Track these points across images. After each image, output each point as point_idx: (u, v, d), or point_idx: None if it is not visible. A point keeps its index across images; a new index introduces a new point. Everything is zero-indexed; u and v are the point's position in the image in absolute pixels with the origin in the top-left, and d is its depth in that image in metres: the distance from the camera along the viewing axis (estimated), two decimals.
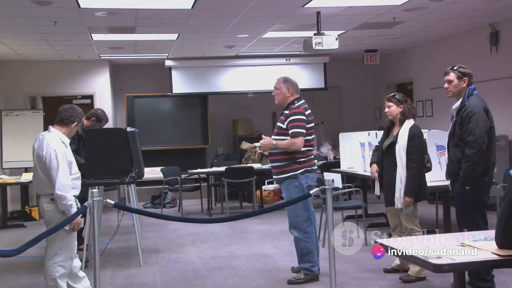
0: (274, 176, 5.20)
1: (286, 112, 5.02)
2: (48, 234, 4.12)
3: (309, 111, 5.05)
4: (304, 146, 4.96)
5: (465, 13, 7.74)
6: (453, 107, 4.55)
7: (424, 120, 10.46)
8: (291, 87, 5.10)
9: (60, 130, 4.37)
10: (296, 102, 5.04)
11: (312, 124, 5.08)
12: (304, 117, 4.96)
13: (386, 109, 5.11)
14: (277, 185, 10.36)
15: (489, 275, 4.34)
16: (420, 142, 4.94)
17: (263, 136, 5.13)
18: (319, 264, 5.19)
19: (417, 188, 4.86)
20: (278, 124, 5.09)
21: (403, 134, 4.93)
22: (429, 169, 5.17)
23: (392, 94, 5.17)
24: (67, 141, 4.39)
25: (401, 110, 5.00)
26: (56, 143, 4.25)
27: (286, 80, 5.14)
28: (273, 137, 5.06)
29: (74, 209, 4.22)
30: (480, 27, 8.81)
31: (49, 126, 4.44)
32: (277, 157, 5.01)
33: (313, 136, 5.11)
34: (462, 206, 4.49)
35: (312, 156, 5.15)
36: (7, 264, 6.04)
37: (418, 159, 4.87)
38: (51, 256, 4.29)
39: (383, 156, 5.16)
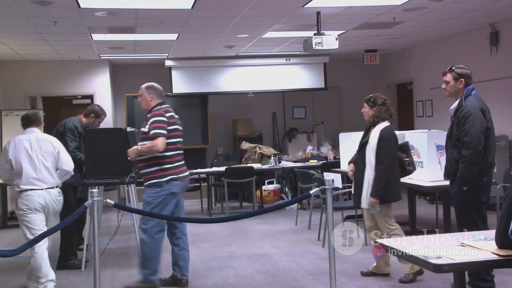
0: (144, 184, 5.06)
1: (148, 116, 4.97)
2: (54, 231, 4.18)
3: (171, 114, 4.97)
4: (169, 150, 4.84)
5: (465, 13, 7.74)
6: (451, 107, 4.58)
7: (424, 120, 10.47)
8: (153, 92, 5.04)
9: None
10: (158, 106, 4.99)
11: (176, 127, 4.97)
12: (163, 119, 4.85)
13: (362, 110, 5.17)
14: (278, 185, 10.45)
15: (489, 275, 4.34)
16: (390, 144, 4.93)
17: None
18: (158, 273, 5.01)
19: (383, 189, 4.86)
20: (141, 129, 4.98)
21: (374, 136, 4.96)
22: (410, 171, 5.19)
23: (369, 95, 5.18)
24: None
25: (373, 112, 5.05)
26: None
27: (148, 86, 5.09)
28: (139, 143, 4.93)
29: None
30: (480, 27, 8.81)
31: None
32: (144, 163, 4.89)
33: (178, 139, 4.99)
34: (460, 207, 4.49)
35: (182, 163, 5.01)
36: (7, 264, 6.03)
37: (386, 161, 4.88)
38: None
39: (358, 156, 5.20)
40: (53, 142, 5.16)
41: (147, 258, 4.89)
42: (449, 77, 4.53)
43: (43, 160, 5.01)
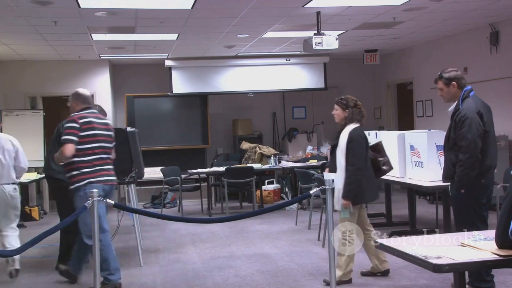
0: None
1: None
2: (54, 231, 4.23)
3: (88, 119, 5.02)
4: (86, 155, 4.93)
5: (465, 13, 7.74)
6: (449, 109, 4.58)
7: (424, 120, 10.47)
8: (76, 98, 5.22)
9: None
10: (80, 111, 5.11)
11: (94, 132, 5.02)
12: (75, 125, 4.93)
13: (333, 112, 5.10)
14: (278, 185, 10.45)
15: (489, 275, 4.34)
16: (358, 145, 4.88)
17: None
18: (118, 272, 5.09)
19: (354, 191, 4.81)
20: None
21: (343, 137, 4.93)
22: (385, 171, 5.18)
23: (340, 97, 5.10)
24: None
25: (346, 115, 4.98)
26: None
27: (73, 93, 5.30)
28: None
29: None
30: (480, 27, 8.81)
31: None
32: (66, 168, 5.02)
33: (97, 144, 5.02)
34: (459, 208, 4.47)
35: (104, 167, 5.06)
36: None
37: (355, 162, 4.83)
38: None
39: (330, 159, 5.18)
40: (13, 141, 5.64)
41: (101, 261, 4.85)
42: (440, 84, 4.55)
43: (1, 157, 5.41)
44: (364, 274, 5.20)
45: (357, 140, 4.88)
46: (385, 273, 5.12)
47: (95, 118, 5.10)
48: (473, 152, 4.28)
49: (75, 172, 4.94)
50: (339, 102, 5.04)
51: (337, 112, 5.05)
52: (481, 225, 4.32)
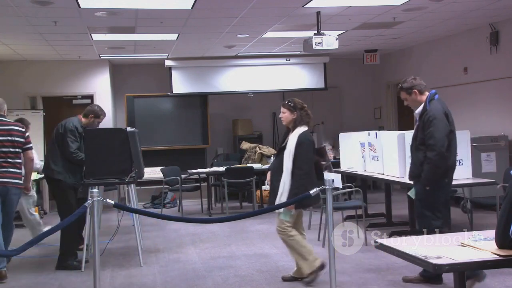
0: None
1: None
2: (54, 231, 4.23)
3: None
4: None
5: (465, 13, 7.74)
6: (416, 111, 4.79)
7: None
8: None
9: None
10: None
11: None
12: None
13: (280, 115, 5.06)
14: None
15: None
16: (308, 149, 4.86)
17: None
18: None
19: (299, 195, 4.67)
20: None
21: (292, 140, 4.89)
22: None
23: (287, 100, 5.05)
24: None
25: (294, 117, 4.94)
26: None
27: None
28: None
29: None
30: (480, 27, 8.80)
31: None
32: None
33: None
34: (422, 206, 4.66)
35: None
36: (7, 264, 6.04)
37: (304, 166, 4.80)
38: None
39: (274, 161, 5.13)
40: None
41: None
42: (403, 94, 4.82)
43: None
44: (285, 279, 5.11)
45: (306, 144, 4.85)
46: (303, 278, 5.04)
47: None
48: (439, 150, 4.51)
49: None
50: (286, 105, 5.00)
51: (285, 115, 4.99)
52: (442, 218, 4.58)
